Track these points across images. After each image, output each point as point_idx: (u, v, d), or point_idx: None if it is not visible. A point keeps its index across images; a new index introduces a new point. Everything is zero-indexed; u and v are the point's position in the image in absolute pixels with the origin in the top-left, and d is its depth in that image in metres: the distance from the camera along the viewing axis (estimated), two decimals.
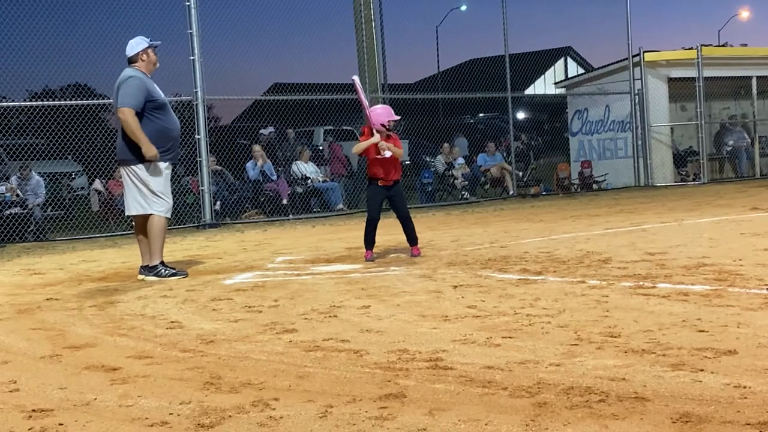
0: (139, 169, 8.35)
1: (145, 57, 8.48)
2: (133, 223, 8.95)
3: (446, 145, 20.29)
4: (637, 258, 8.08)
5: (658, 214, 12.99)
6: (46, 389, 4.39)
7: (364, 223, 9.20)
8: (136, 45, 8.49)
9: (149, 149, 8.20)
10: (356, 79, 9.59)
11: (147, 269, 8.48)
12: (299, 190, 17.22)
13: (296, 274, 8.40)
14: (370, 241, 9.10)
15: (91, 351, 5.29)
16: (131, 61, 8.50)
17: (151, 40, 8.58)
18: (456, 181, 19.38)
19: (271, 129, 18.80)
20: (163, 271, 8.41)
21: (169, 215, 8.61)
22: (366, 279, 7.76)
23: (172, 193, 8.80)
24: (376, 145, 8.93)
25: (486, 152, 20.24)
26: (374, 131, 8.99)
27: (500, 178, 19.82)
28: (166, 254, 8.93)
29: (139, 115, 8.24)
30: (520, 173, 20.46)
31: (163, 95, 8.56)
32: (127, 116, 8.20)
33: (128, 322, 6.24)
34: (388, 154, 8.92)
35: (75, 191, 18.31)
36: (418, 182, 19.24)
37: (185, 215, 15.29)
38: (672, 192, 18.68)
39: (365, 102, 9.26)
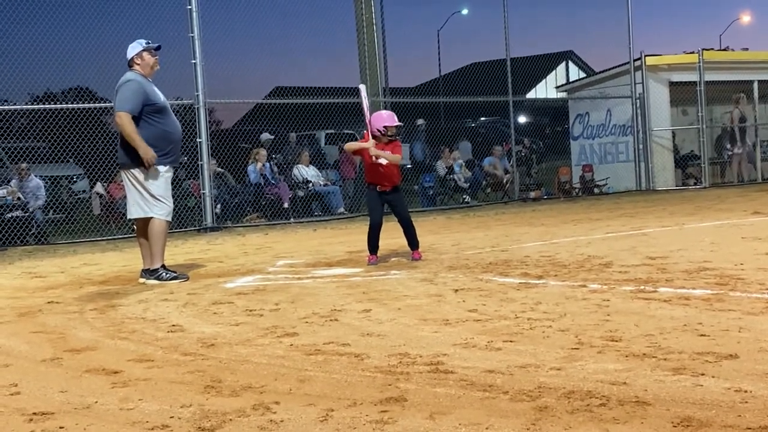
0: (139, 172, 8.35)
1: (140, 60, 8.46)
2: (135, 227, 8.95)
3: (446, 149, 20.31)
4: (638, 262, 8.08)
5: (659, 219, 12.99)
6: (47, 392, 4.39)
7: (366, 227, 9.22)
8: (131, 49, 8.48)
9: (146, 152, 8.19)
10: (362, 88, 9.62)
11: (148, 272, 8.48)
12: (300, 193, 17.23)
13: (297, 278, 8.39)
14: (373, 245, 9.10)
15: (91, 354, 5.29)
16: (129, 65, 8.51)
17: (148, 43, 8.57)
18: (457, 177, 19.36)
19: (267, 135, 18.83)
20: (164, 274, 8.41)
21: (169, 218, 8.60)
22: (367, 283, 7.76)
23: (174, 196, 8.80)
24: (368, 150, 8.96)
25: (492, 155, 20.29)
26: (371, 137, 9.00)
27: (500, 181, 19.84)
28: (168, 257, 8.93)
29: (138, 118, 8.24)
30: (525, 175, 20.47)
31: (163, 98, 8.54)
32: (123, 120, 8.20)
33: (129, 325, 6.24)
34: (382, 161, 8.96)
35: (76, 194, 18.33)
36: (419, 186, 19.26)
37: (186, 219, 15.29)
38: (673, 196, 18.68)
39: (367, 111, 9.28)
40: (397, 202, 9.26)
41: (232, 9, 17.69)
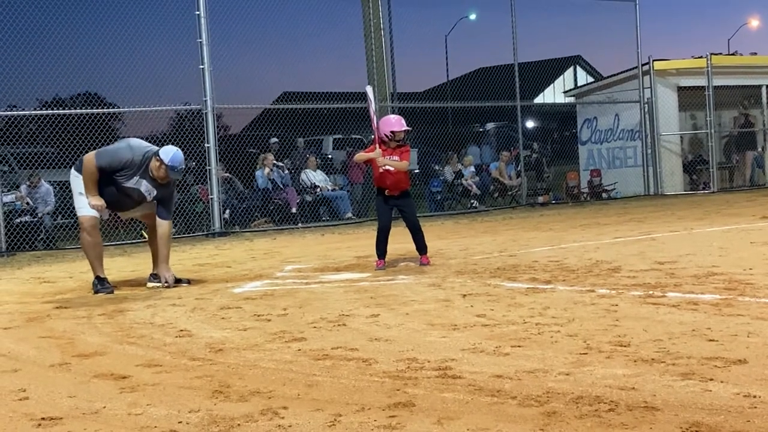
0: (74, 175, 8.53)
1: (157, 163, 8.24)
2: (143, 233, 8.97)
3: (454, 154, 20.31)
4: (647, 267, 8.06)
5: (668, 223, 12.96)
6: (56, 397, 4.40)
7: (374, 232, 9.23)
8: (164, 152, 8.27)
9: (93, 200, 8.29)
10: (369, 90, 9.61)
11: (153, 276, 8.54)
12: (308, 198, 17.24)
13: (305, 283, 8.40)
14: (381, 250, 9.11)
15: (100, 359, 5.30)
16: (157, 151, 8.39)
17: (175, 164, 8.28)
18: (468, 183, 19.35)
19: (274, 140, 18.86)
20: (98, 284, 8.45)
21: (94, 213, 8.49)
22: (375, 288, 7.76)
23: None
24: (377, 160, 9.01)
25: (499, 160, 20.29)
26: (378, 144, 9.02)
27: (506, 187, 19.82)
28: (177, 263, 8.93)
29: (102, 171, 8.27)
30: (535, 180, 20.45)
31: (133, 188, 8.34)
32: (89, 166, 8.26)
33: (137, 330, 6.26)
34: (389, 168, 8.99)
35: None
36: (427, 191, 19.25)
37: (195, 224, 15.30)
38: (681, 201, 18.63)
39: (373, 114, 9.29)
40: (406, 206, 9.27)
41: (240, 15, 17.72)
